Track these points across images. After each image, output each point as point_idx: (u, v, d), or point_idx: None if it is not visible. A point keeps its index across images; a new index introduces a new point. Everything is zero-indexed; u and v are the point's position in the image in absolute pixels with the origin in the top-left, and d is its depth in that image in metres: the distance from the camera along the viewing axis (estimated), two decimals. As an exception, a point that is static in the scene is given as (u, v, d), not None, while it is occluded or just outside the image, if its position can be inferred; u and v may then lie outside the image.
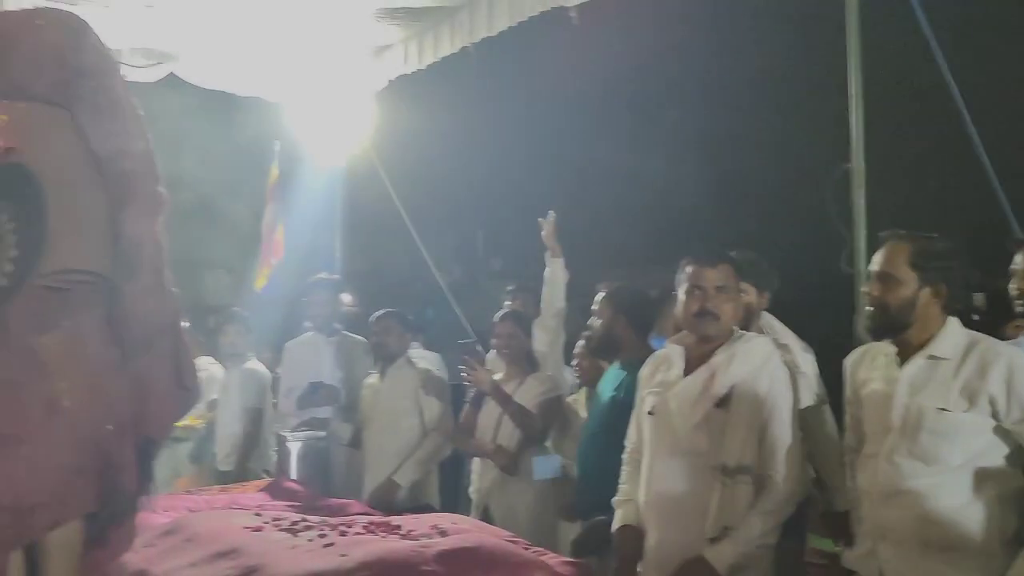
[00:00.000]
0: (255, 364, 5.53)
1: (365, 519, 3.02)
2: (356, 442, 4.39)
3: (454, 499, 4.60)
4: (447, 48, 5.34)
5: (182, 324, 2.30)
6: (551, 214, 4.31)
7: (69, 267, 1.97)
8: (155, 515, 3.04)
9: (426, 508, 4.07)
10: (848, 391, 2.66)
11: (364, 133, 6.22)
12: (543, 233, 4.26)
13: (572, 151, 9.00)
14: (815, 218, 3.85)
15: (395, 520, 2.98)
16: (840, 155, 3.60)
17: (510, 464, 3.84)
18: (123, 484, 2.04)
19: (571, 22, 4.57)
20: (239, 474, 5.10)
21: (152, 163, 2.15)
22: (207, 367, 5.47)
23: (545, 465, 3.68)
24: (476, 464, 4.11)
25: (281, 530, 2.81)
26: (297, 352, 4.84)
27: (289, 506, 3.62)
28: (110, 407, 2.00)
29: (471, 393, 4.09)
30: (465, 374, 3.97)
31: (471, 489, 4.11)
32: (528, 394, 3.94)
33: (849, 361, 2.68)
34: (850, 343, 3.01)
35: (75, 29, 2.11)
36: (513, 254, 10.14)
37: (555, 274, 4.22)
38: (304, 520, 2.97)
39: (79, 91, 2.04)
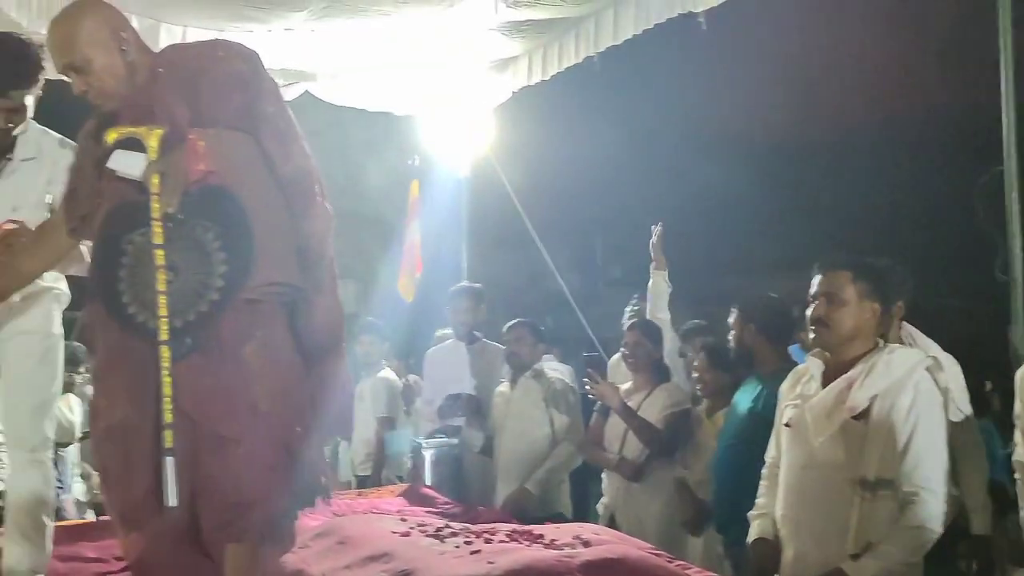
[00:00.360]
0: (388, 373, 5.70)
1: (507, 527, 3.07)
2: (488, 450, 4.45)
3: (583, 508, 4.60)
4: (571, 58, 5.38)
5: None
6: (658, 226, 4.31)
7: (273, 280, 2.15)
8: (305, 517, 3.17)
9: (558, 517, 4.10)
10: (1019, 406, 2.54)
11: (487, 144, 6.32)
12: (651, 243, 4.26)
13: (697, 159, 8.88)
14: (966, 223, 3.70)
15: (537, 529, 3.02)
16: (992, 157, 3.45)
17: (636, 475, 3.84)
18: (312, 482, 2.25)
19: (698, 28, 4.53)
20: (375, 480, 5.27)
21: (321, 182, 2.30)
22: None
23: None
24: (606, 474, 4.12)
25: (428, 536, 2.89)
26: (438, 360, 4.93)
27: (428, 512, 3.72)
28: (299, 410, 2.18)
29: (599, 403, 4.10)
30: (589, 387, 3.98)
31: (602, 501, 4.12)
32: (654, 407, 3.92)
33: (1021, 375, 2.56)
34: (1006, 355, 2.89)
35: (251, 58, 2.28)
36: (633, 262, 10.09)
37: (657, 286, 4.27)
38: (448, 526, 3.05)
39: (260, 115, 2.20)
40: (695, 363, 3.87)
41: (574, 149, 9.07)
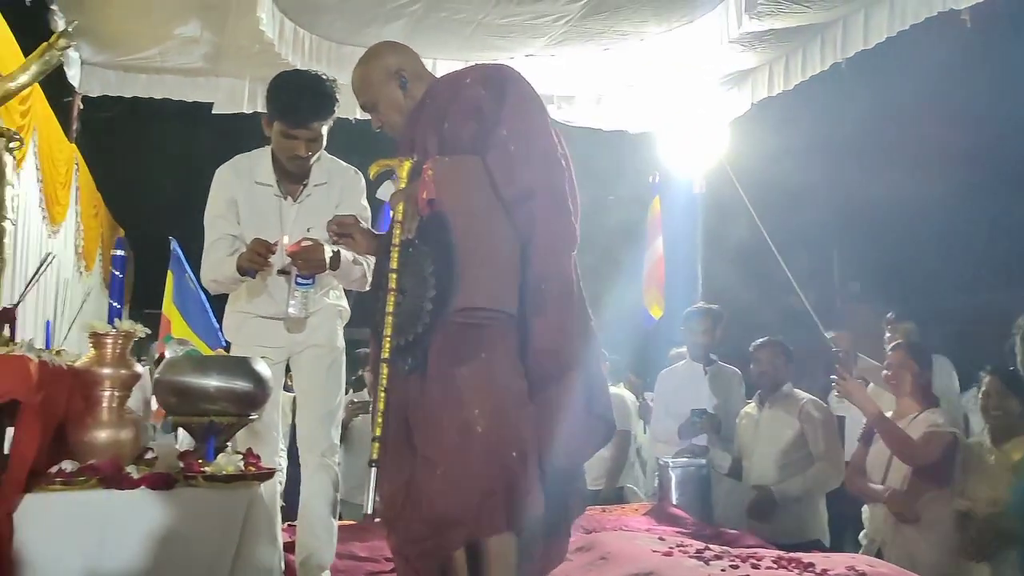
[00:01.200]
0: (620, 389, 5.70)
1: (771, 553, 2.98)
2: (735, 472, 4.34)
3: (839, 536, 4.37)
4: (816, 66, 5.18)
5: (598, 356, 2.39)
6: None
7: (472, 305, 2.16)
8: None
9: (815, 545, 3.92)
10: None
11: (722, 158, 6.21)
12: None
13: (945, 169, 8.23)
14: None
15: (805, 557, 2.90)
16: None
17: (906, 510, 3.58)
18: (529, 507, 2.16)
19: (963, 26, 4.23)
20: (607, 495, 5.28)
21: (564, 201, 2.24)
22: None
23: None
24: (869, 506, 3.88)
25: (690, 556, 2.85)
26: (673, 380, 4.89)
27: (677, 531, 3.68)
28: (517, 435, 2.14)
29: (861, 430, 3.88)
30: (835, 386, 3.76)
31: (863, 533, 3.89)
32: (918, 429, 3.65)
33: None
34: None
35: (497, 82, 2.28)
36: (873, 277, 9.53)
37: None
38: (708, 548, 2.99)
39: (493, 140, 2.21)
40: (983, 388, 3.55)
41: (808, 159, 8.69)
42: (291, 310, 2.80)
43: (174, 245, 6.10)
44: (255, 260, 2.72)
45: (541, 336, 2.17)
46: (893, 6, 4.51)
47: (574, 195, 2.29)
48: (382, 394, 2.14)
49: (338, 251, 2.78)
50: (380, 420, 2.15)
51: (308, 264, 2.73)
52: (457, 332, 2.14)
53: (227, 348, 3.10)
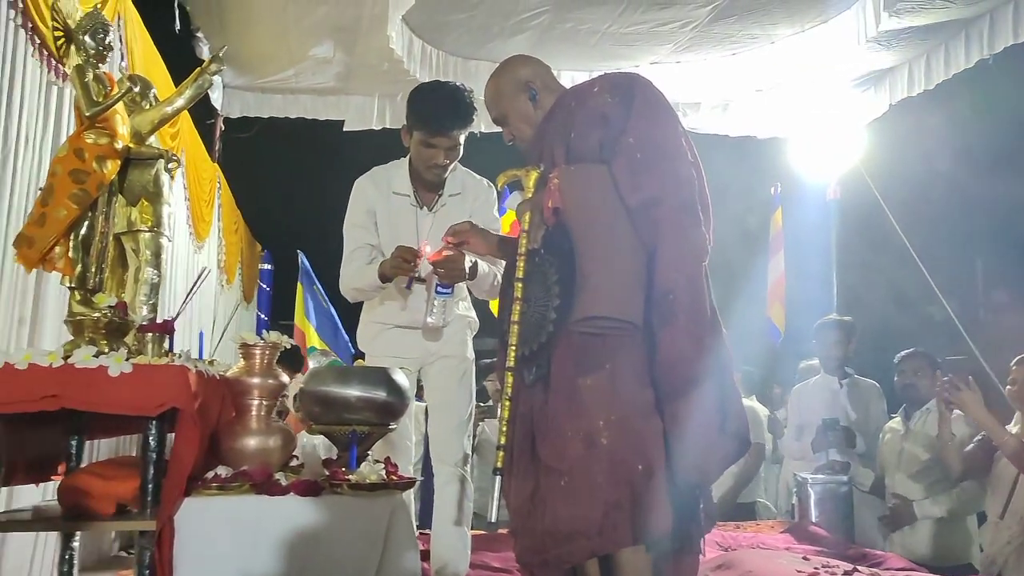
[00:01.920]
0: (752, 402, 5.53)
1: (923, 576, 2.81)
2: (878, 490, 4.14)
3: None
4: (960, 63, 4.93)
5: (732, 370, 2.30)
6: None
7: (596, 314, 2.10)
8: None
9: (967, 570, 3.69)
10: None
11: (857, 162, 5.98)
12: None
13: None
14: None
15: (961, 582, 2.73)
16: None
17: None
18: (656, 522, 2.08)
19: None
20: (738, 509, 5.13)
21: (693, 209, 2.16)
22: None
23: None
24: (988, 524, 3.62)
25: (837, 579, 2.73)
26: (806, 395, 4.71)
27: (819, 551, 3.53)
28: (642, 447, 2.08)
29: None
30: (948, 395, 3.52)
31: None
32: None
33: None
34: None
35: (626, 90, 2.23)
36: (1020, 286, 8.95)
37: None
38: (856, 571, 2.85)
39: (619, 148, 2.16)
40: None
41: (950, 162, 8.26)
42: (430, 319, 2.84)
43: (302, 258, 6.31)
44: (400, 267, 2.77)
45: (669, 348, 2.09)
46: (1047, -4, 4.26)
47: (705, 203, 2.22)
48: (506, 403, 2.14)
49: (476, 261, 2.81)
50: (505, 429, 2.14)
51: (450, 273, 2.75)
52: (580, 342, 2.11)
53: (359, 357, 3.16)
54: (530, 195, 2.23)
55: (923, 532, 3.91)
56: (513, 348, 2.14)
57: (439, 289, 2.78)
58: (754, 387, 5.75)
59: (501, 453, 2.14)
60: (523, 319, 2.15)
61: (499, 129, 2.47)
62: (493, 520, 2.15)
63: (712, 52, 5.34)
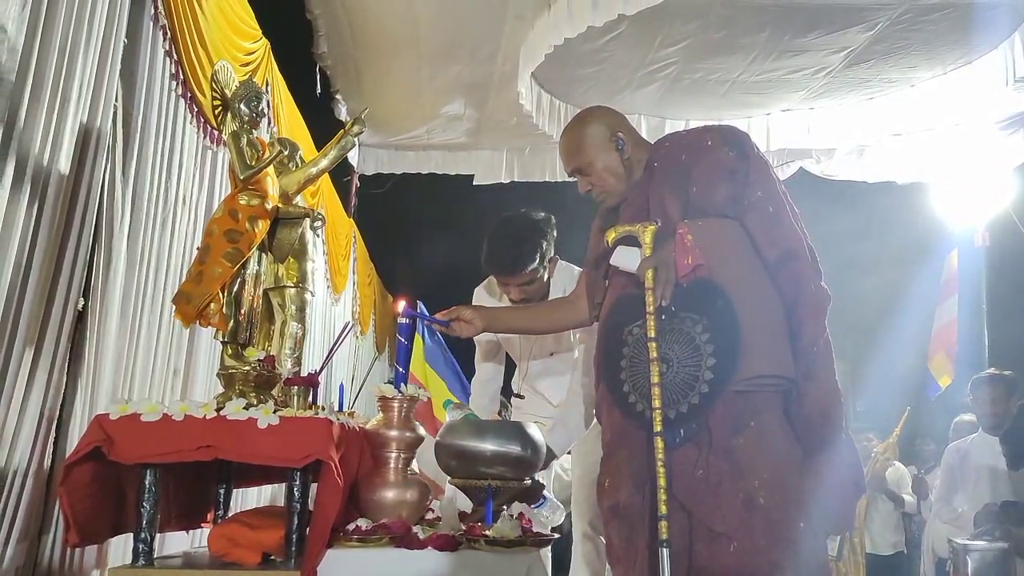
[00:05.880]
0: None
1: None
2: (1042, 556, 3.83)
3: None
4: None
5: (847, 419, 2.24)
6: None
7: (761, 372, 2.06)
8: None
9: None
10: None
11: (1009, 207, 5.67)
12: None
13: None
14: None
15: None
16: None
17: None
18: None
19: None
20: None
21: (816, 261, 2.17)
22: None
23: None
24: None
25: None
26: (962, 455, 4.42)
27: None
28: (800, 504, 2.02)
29: None
30: None
31: None
32: None
33: None
34: None
35: (739, 142, 2.22)
36: None
37: None
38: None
39: (748, 202, 2.15)
40: None
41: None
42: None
43: (420, 306, 6.38)
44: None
45: (815, 401, 2.08)
46: None
47: (813, 254, 2.22)
48: (662, 470, 2.08)
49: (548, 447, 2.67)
50: (665, 498, 2.07)
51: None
52: (732, 400, 2.07)
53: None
54: (648, 252, 2.19)
55: None
56: (658, 411, 2.09)
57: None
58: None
59: (664, 523, 2.07)
60: (665, 380, 2.10)
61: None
62: None
63: (847, 97, 5.21)
